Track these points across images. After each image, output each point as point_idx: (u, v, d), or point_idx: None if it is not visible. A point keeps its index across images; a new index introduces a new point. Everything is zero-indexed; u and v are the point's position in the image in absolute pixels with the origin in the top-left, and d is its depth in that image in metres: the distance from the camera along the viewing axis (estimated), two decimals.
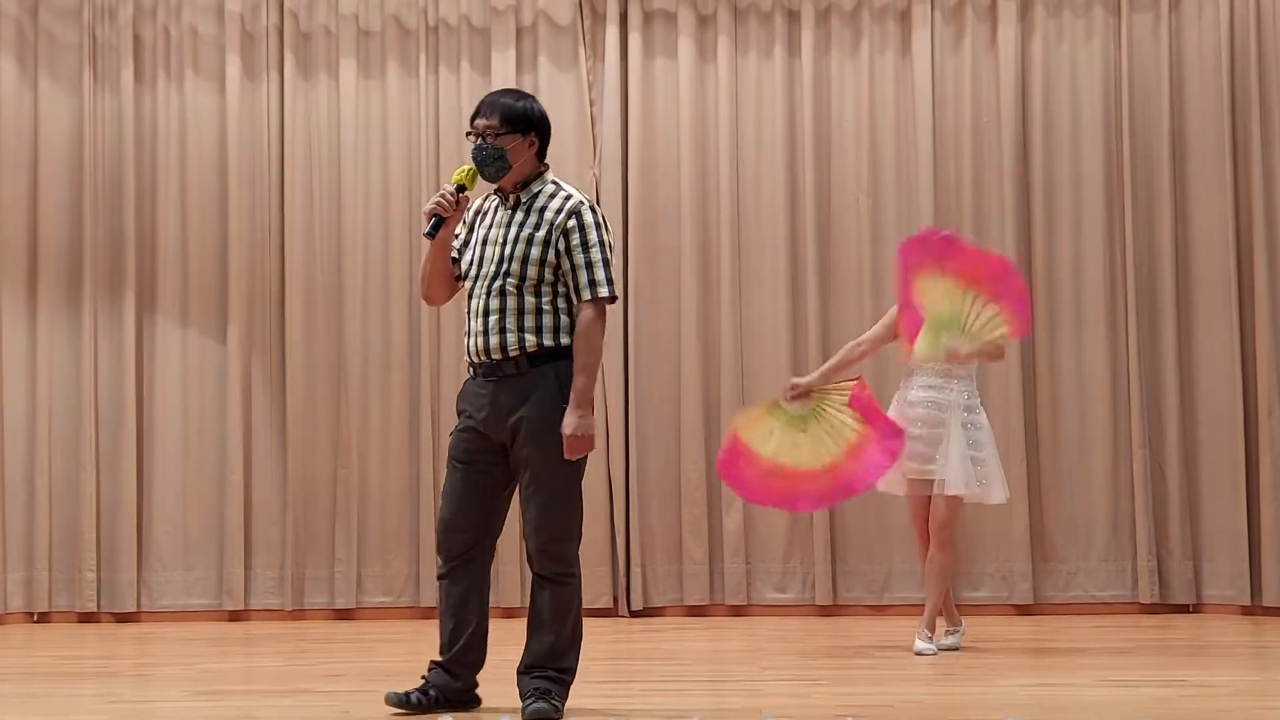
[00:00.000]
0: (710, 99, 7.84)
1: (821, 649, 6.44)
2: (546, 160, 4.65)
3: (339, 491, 7.76)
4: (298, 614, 7.73)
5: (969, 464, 6.02)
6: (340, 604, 7.71)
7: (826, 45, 7.86)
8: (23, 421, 7.74)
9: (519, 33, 7.89)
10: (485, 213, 4.64)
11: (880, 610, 7.63)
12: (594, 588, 7.64)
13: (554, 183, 4.60)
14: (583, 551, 7.57)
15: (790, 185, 7.79)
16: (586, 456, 4.53)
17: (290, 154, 7.85)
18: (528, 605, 4.64)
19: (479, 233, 4.61)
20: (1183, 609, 7.48)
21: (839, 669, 5.71)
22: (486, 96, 4.62)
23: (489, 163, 4.52)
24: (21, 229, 7.80)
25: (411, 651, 6.36)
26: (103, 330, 7.79)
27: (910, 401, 6.12)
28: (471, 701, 4.64)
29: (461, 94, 7.83)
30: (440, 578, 4.65)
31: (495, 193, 4.63)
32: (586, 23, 7.88)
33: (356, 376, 7.77)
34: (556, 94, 7.85)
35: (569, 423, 4.43)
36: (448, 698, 4.58)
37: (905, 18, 7.81)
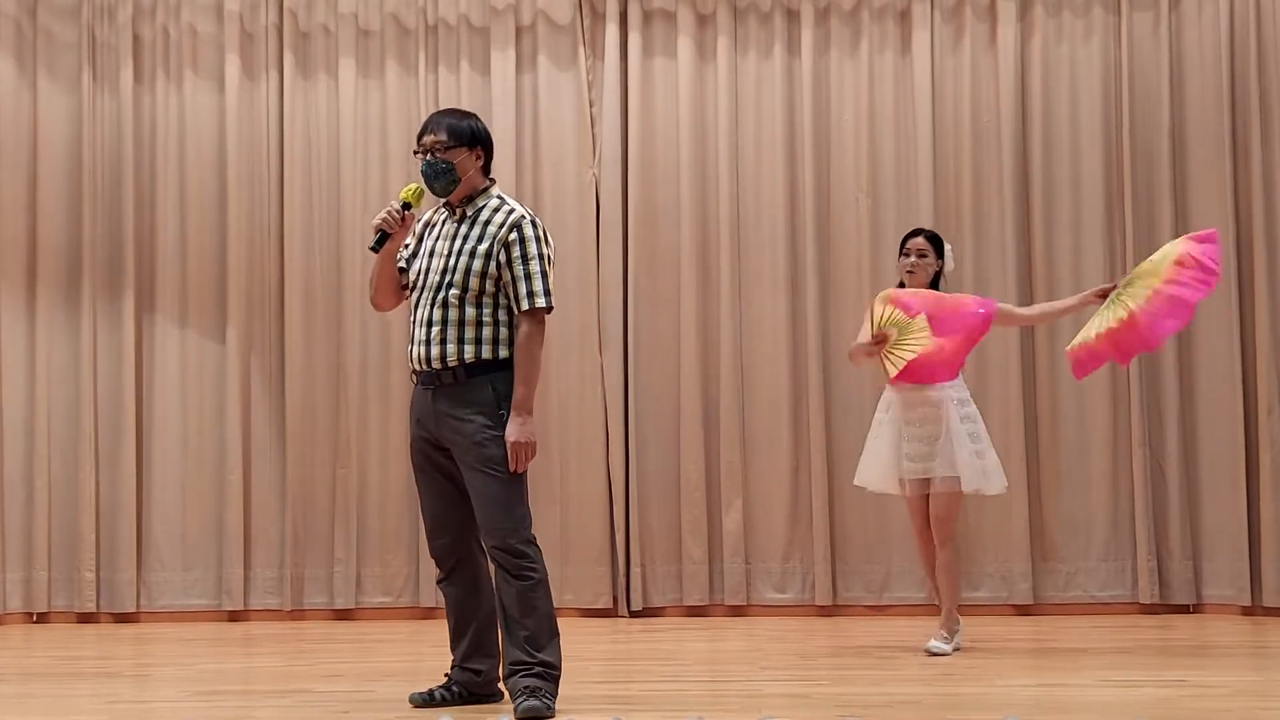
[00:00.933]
0: (710, 98, 7.84)
1: (821, 649, 6.44)
2: (493, 175, 4.82)
3: (338, 491, 7.76)
4: (297, 614, 7.73)
5: (974, 458, 6.03)
6: (339, 604, 7.70)
7: (826, 45, 7.85)
8: (22, 421, 7.74)
9: (518, 32, 7.89)
10: (434, 225, 4.80)
11: (880, 610, 7.62)
12: (593, 588, 7.64)
13: (499, 197, 4.75)
14: (583, 551, 7.72)
15: (790, 184, 7.79)
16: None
17: (289, 153, 7.85)
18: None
19: (427, 244, 4.76)
20: (1183, 609, 7.48)
21: (839, 669, 5.71)
22: (431, 116, 4.83)
23: (438, 177, 4.69)
24: (20, 229, 7.80)
25: (411, 652, 6.36)
26: (102, 330, 7.79)
27: (904, 403, 6.10)
28: (495, 695, 4.78)
29: (461, 93, 7.82)
30: (439, 583, 4.84)
31: (444, 205, 4.78)
32: (586, 22, 7.88)
33: (355, 376, 7.77)
34: (556, 93, 7.85)
35: (512, 430, 4.56)
36: (471, 692, 4.73)
37: (905, 17, 7.81)
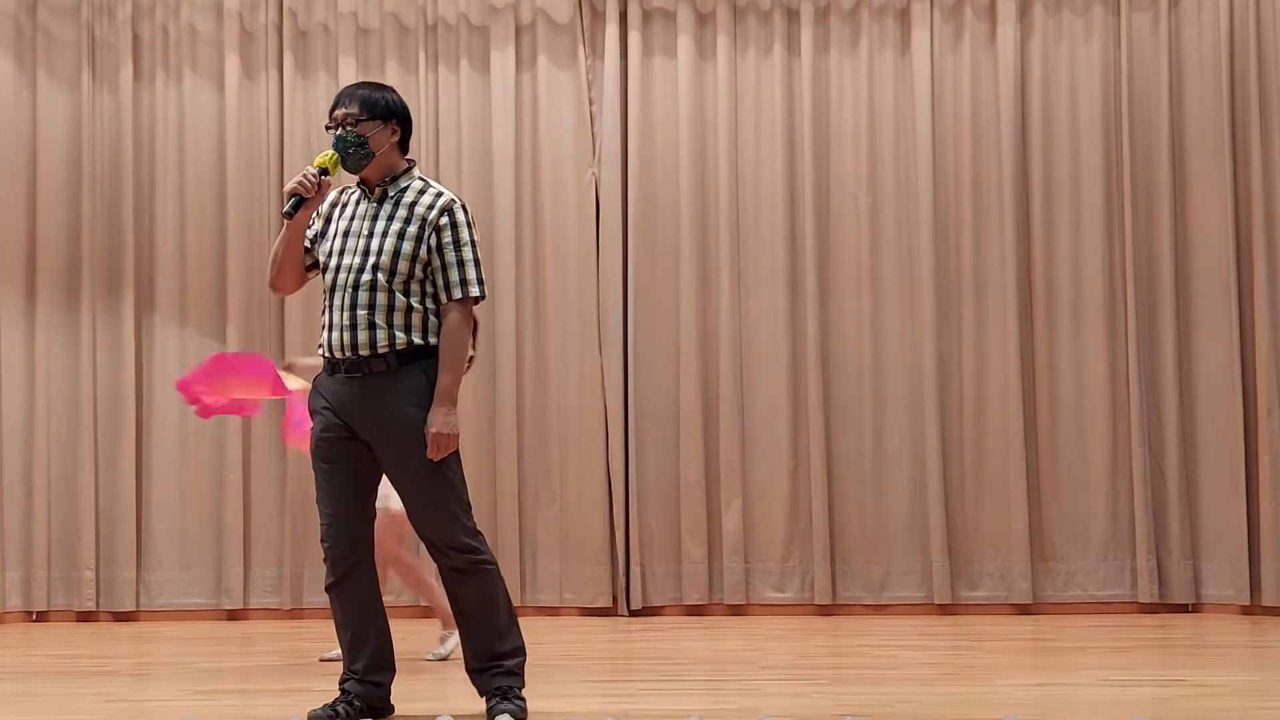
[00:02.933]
0: (709, 97, 7.84)
1: (820, 648, 6.44)
2: (412, 156, 4.60)
3: None
4: (296, 613, 7.72)
5: None
6: None
7: (825, 44, 7.85)
8: (21, 421, 7.74)
9: (518, 31, 7.88)
10: (344, 205, 4.51)
11: (879, 610, 7.62)
12: (593, 587, 7.64)
13: (422, 179, 4.52)
14: (582, 550, 7.71)
15: (789, 184, 7.79)
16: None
17: (289, 152, 7.84)
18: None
19: (338, 224, 4.47)
20: (1182, 608, 7.48)
21: (838, 669, 5.71)
22: (343, 89, 4.53)
23: (351, 149, 4.38)
24: (20, 228, 7.80)
25: (409, 650, 6.35)
26: (101, 329, 7.79)
27: None
28: (389, 710, 4.53)
29: (461, 92, 7.82)
30: (330, 588, 4.48)
31: (359, 185, 4.52)
32: (586, 21, 7.87)
33: None
34: (555, 92, 7.85)
35: (435, 420, 4.32)
36: (371, 706, 4.45)
37: (904, 16, 7.81)
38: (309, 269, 4.56)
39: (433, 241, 4.40)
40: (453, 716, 4.41)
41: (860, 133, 7.80)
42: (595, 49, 7.89)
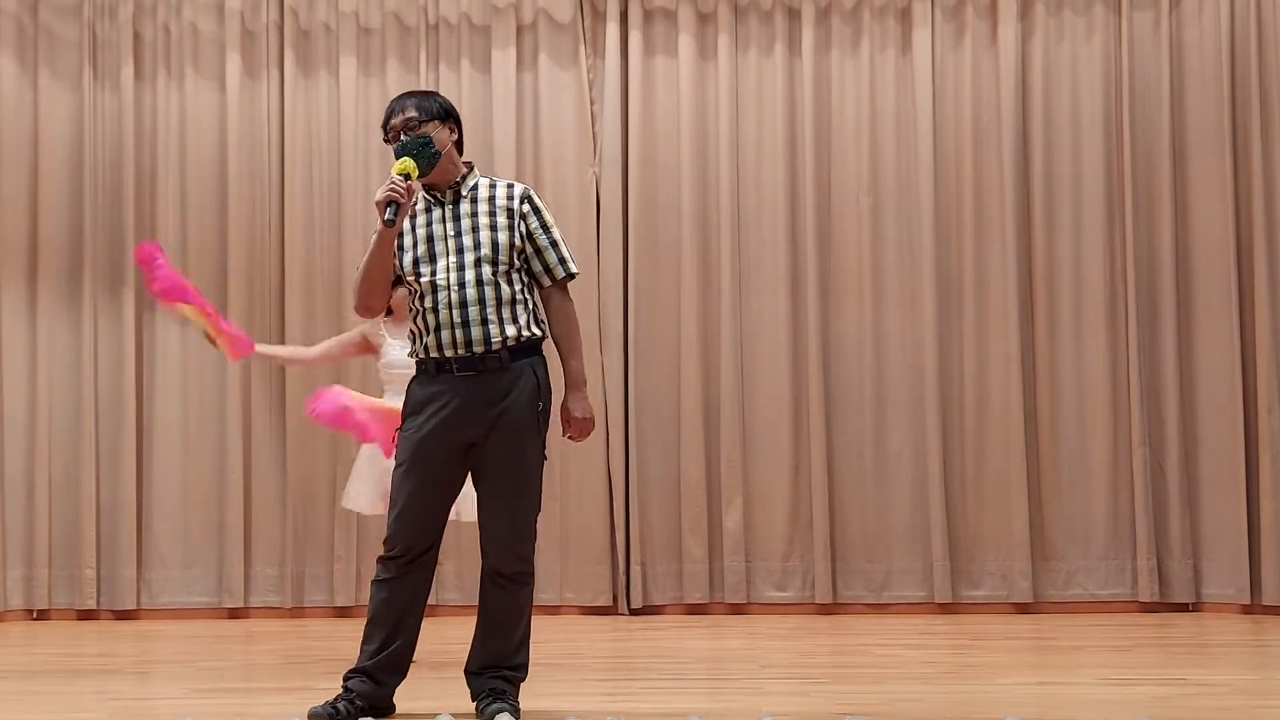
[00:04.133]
0: (711, 97, 7.84)
1: (821, 647, 6.44)
2: (468, 158, 4.63)
3: (339, 489, 7.73)
4: (297, 611, 7.73)
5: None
6: (340, 602, 7.71)
7: (827, 43, 7.86)
8: (23, 418, 7.75)
9: (519, 30, 7.89)
10: (414, 216, 4.51)
11: (880, 609, 7.63)
12: (593, 585, 7.65)
13: (486, 176, 4.57)
14: (583, 549, 7.73)
15: (790, 183, 7.79)
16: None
17: (290, 151, 7.85)
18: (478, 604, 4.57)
19: (415, 235, 4.47)
20: (1182, 608, 7.48)
21: (839, 668, 5.71)
22: (392, 101, 4.54)
23: (420, 150, 4.37)
24: (22, 226, 7.81)
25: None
26: (103, 327, 7.79)
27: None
28: (390, 710, 4.54)
29: (462, 92, 7.82)
30: (385, 581, 4.47)
31: (425, 193, 4.52)
32: (587, 20, 7.88)
33: (356, 373, 7.76)
34: (557, 92, 7.85)
35: (577, 406, 4.44)
36: (373, 706, 4.46)
37: (906, 16, 7.81)
38: (394, 285, 4.57)
39: (523, 229, 4.47)
40: (453, 716, 4.41)
41: (861, 132, 7.80)
42: (596, 48, 7.90)
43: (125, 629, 7.48)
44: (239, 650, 6.72)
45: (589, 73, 7.86)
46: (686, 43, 7.83)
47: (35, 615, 7.73)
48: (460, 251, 4.41)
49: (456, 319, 4.39)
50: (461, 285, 4.39)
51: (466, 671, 4.55)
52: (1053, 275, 7.68)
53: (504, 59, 7.84)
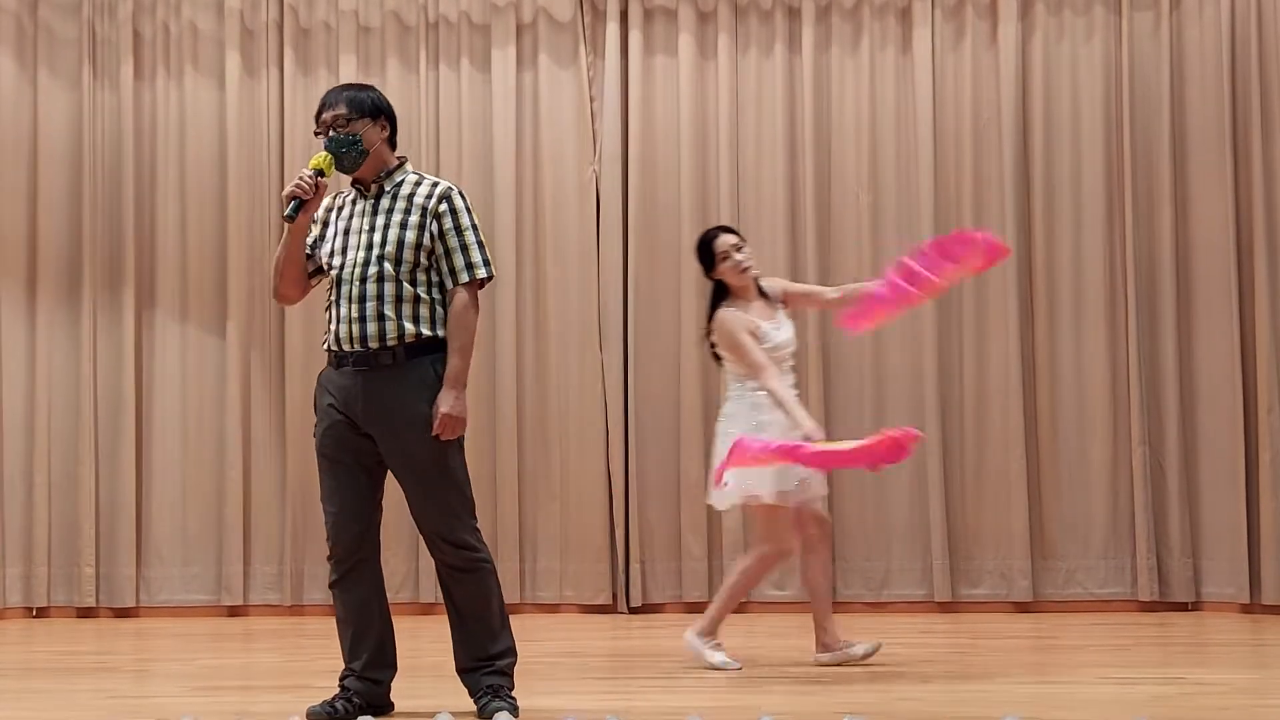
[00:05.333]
0: (711, 96, 7.84)
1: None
2: (408, 153, 4.64)
3: None
4: (296, 610, 7.73)
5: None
6: None
7: (827, 42, 7.85)
8: (22, 417, 7.75)
9: (519, 29, 7.89)
10: (340, 208, 4.54)
11: (879, 607, 7.62)
12: (593, 584, 7.64)
13: (416, 173, 4.55)
14: (582, 548, 7.71)
15: (790, 182, 7.79)
16: (463, 438, 4.44)
17: (290, 150, 7.85)
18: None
19: (337, 225, 4.50)
20: (1182, 607, 7.48)
21: (838, 667, 5.70)
22: (326, 94, 4.54)
23: (344, 149, 4.40)
24: (21, 224, 7.81)
25: (409, 648, 6.34)
26: (102, 326, 7.79)
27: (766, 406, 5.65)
28: (388, 707, 4.54)
29: (462, 91, 7.82)
30: (334, 584, 4.50)
31: (353, 185, 4.54)
32: (587, 19, 7.88)
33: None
34: (556, 91, 7.85)
35: (444, 400, 4.32)
36: (370, 703, 4.46)
37: (906, 15, 7.81)
38: (311, 275, 4.58)
39: (434, 229, 4.42)
40: (452, 715, 4.41)
41: (861, 131, 7.80)
42: (596, 47, 7.89)
43: (124, 627, 7.48)
44: (238, 648, 6.73)
45: (589, 72, 7.86)
46: (686, 42, 7.83)
47: (34, 613, 7.74)
48: (369, 247, 4.41)
49: (354, 314, 4.39)
50: (363, 280, 4.39)
51: (458, 670, 4.54)
52: (1053, 274, 7.68)
53: (504, 58, 7.84)
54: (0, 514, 7.69)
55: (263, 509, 7.78)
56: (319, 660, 6.07)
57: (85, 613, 7.73)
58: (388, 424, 4.37)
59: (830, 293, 5.94)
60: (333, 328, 4.45)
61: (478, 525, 4.47)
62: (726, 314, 5.66)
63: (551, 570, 7.66)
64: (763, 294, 5.76)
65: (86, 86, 7.83)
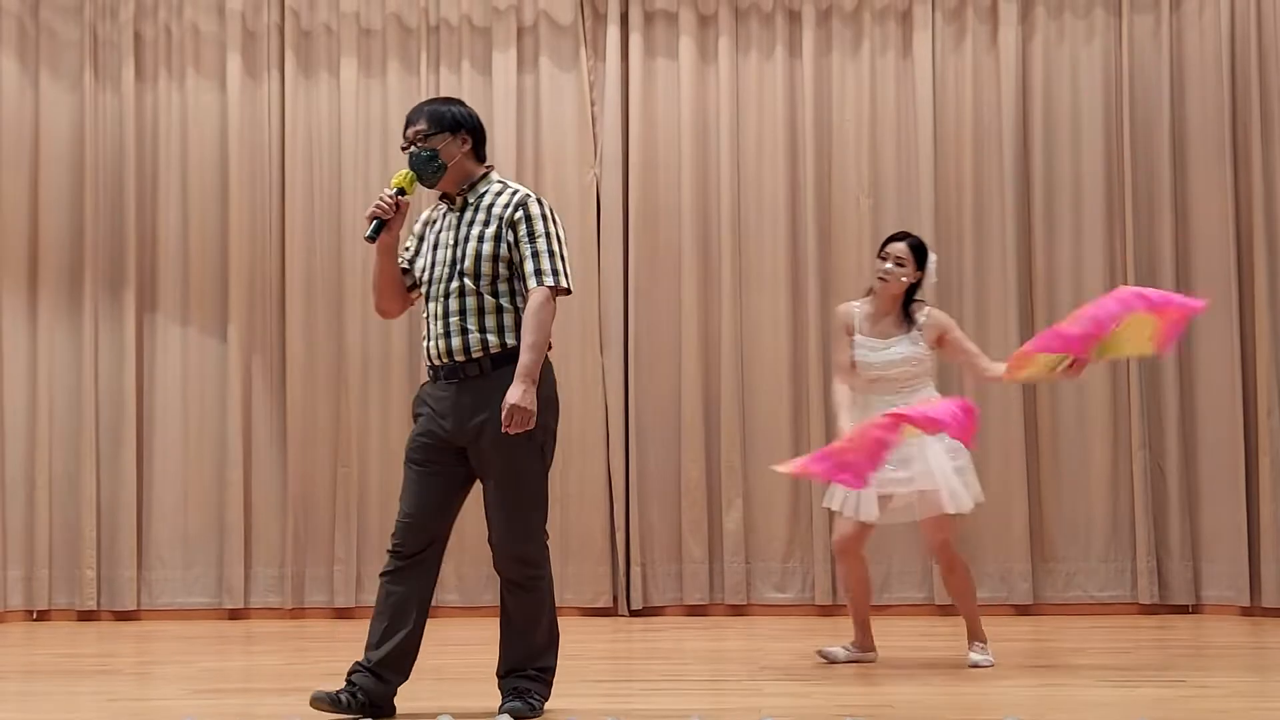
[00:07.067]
0: (711, 99, 7.84)
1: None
2: (490, 162, 4.65)
3: (339, 490, 7.77)
4: (297, 612, 7.73)
5: (956, 477, 5.58)
6: (340, 603, 7.71)
7: (828, 46, 7.86)
8: (23, 419, 7.75)
9: (520, 32, 7.89)
10: (434, 221, 4.61)
11: (880, 610, 7.59)
12: (593, 586, 7.65)
13: (501, 182, 4.58)
14: (583, 550, 7.71)
15: (791, 185, 7.80)
16: (551, 455, 4.52)
17: (291, 152, 7.85)
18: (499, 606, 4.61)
19: (430, 239, 4.58)
20: (1182, 610, 7.49)
21: (839, 669, 5.70)
22: (413, 107, 4.61)
23: (424, 164, 4.48)
24: (22, 226, 7.81)
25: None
26: (103, 328, 7.80)
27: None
28: (390, 711, 4.53)
29: (463, 93, 7.81)
30: (385, 574, 4.53)
31: (441, 199, 4.60)
32: (587, 23, 7.88)
33: (356, 375, 7.78)
34: (557, 94, 7.86)
35: (513, 394, 4.33)
36: (372, 702, 4.46)
37: (906, 18, 7.82)
38: (411, 289, 4.64)
39: (510, 237, 4.46)
40: (453, 716, 4.42)
41: (862, 135, 7.80)
42: (597, 51, 7.90)
43: (125, 629, 7.48)
44: (239, 651, 6.73)
45: (589, 75, 7.86)
46: (687, 45, 7.84)
47: (35, 615, 7.74)
48: (451, 263, 4.48)
49: (439, 329, 4.47)
50: (446, 295, 4.47)
51: (497, 675, 4.60)
52: (1053, 276, 7.69)
53: (504, 61, 7.85)
54: (1, 516, 7.69)
55: (264, 511, 7.78)
56: (320, 663, 6.08)
57: (86, 615, 7.73)
58: (477, 434, 4.43)
59: (989, 369, 5.73)
60: (426, 343, 4.53)
61: (548, 541, 4.55)
62: (842, 305, 5.92)
63: (553, 573, 7.64)
64: (908, 316, 5.73)
65: (88, 88, 7.83)
